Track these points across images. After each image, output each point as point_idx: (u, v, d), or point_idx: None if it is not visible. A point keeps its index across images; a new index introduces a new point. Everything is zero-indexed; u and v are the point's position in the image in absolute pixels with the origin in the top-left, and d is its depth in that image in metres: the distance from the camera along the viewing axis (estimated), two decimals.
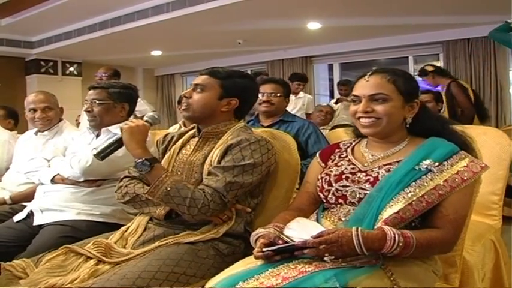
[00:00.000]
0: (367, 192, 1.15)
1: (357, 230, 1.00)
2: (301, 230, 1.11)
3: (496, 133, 1.79)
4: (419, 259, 1.11)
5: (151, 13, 4.93)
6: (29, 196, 2.03)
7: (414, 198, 1.09)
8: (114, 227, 1.59)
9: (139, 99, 2.21)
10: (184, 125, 3.14)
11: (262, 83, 2.46)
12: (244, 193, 1.37)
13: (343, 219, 1.17)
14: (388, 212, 1.08)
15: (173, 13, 4.74)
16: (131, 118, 1.90)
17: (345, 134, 1.53)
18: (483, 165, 1.14)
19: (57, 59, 6.96)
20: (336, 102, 5.09)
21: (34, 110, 2.21)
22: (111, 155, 1.43)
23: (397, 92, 1.20)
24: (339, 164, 1.29)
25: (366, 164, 1.24)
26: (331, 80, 7.00)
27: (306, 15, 4.86)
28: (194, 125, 1.53)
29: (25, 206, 1.91)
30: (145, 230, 1.40)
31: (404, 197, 1.09)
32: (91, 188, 1.82)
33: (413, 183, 1.11)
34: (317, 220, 1.22)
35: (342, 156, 1.32)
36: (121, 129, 1.39)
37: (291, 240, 1.08)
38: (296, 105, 4.63)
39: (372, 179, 1.17)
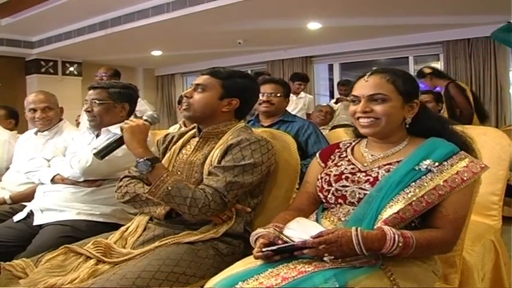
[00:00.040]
0: (367, 192, 1.15)
1: (356, 230, 1.00)
2: (301, 230, 1.11)
3: (496, 133, 1.79)
4: (419, 259, 1.11)
5: (151, 13, 4.93)
6: (29, 196, 2.03)
7: (414, 199, 1.09)
8: (114, 227, 1.59)
9: (139, 99, 2.21)
10: (185, 125, 3.14)
11: (263, 83, 2.46)
12: (245, 193, 1.37)
13: (342, 219, 1.17)
14: (388, 212, 1.08)
15: (173, 13, 4.74)
16: (131, 118, 1.90)
17: (345, 134, 1.54)
18: (483, 165, 1.14)
19: (57, 59, 6.95)
20: (336, 102, 5.09)
21: (34, 110, 2.21)
22: (111, 155, 1.43)
23: (397, 92, 1.20)
24: (339, 164, 1.29)
25: (365, 164, 1.24)
26: (331, 80, 6.99)
27: (306, 15, 4.86)
28: (194, 125, 1.53)
29: (25, 206, 1.91)
30: (145, 229, 1.40)
31: (404, 197, 1.09)
32: (91, 188, 1.82)
33: (413, 183, 1.11)
34: (317, 220, 1.22)
35: (342, 156, 1.32)
36: (121, 129, 1.38)
37: (291, 240, 1.08)
38: (297, 105, 4.63)
39: (371, 179, 1.17)
